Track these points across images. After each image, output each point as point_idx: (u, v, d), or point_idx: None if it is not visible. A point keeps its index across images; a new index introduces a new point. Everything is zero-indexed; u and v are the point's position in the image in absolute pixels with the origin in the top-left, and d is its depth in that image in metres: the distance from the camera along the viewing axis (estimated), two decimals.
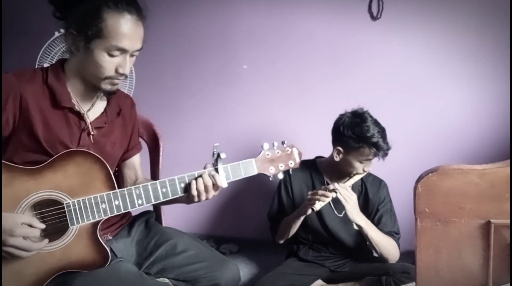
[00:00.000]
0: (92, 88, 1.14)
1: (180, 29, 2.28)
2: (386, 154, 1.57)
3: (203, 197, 1.12)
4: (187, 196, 1.12)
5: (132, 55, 1.10)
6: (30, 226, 0.98)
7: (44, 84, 1.10)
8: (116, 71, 1.07)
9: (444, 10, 1.99)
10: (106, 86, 1.10)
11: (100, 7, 1.02)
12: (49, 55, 1.94)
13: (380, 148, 1.53)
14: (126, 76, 1.14)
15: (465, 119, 2.04)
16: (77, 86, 1.13)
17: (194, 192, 1.10)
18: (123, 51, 1.06)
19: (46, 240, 1.02)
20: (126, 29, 1.04)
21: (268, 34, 2.20)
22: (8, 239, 0.95)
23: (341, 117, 1.63)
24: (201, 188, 1.10)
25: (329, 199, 1.52)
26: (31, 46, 2.01)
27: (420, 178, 0.84)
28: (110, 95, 1.16)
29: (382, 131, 1.56)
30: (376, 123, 1.58)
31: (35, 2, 2.39)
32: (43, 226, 1.01)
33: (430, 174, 0.83)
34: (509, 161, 0.83)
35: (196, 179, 1.10)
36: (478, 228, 0.82)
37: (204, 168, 1.13)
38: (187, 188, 1.11)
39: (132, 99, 1.33)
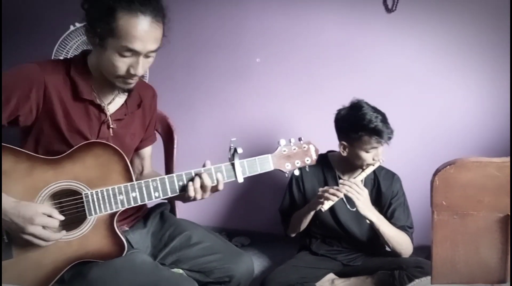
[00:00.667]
0: (110, 83, 1.15)
1: (193, 25, 2.28)
2: (390, 138, 1.52)
3: (199, 196, 1.11)
4: (182, 195, 1.12)
5: (147, 56, 1.07)
6: (50, 216, 1.00)
7: (67, 75, 1.11)
8: (128, 71, 1.06)
9: (460, 1, 1.95)
10: (120, 84, 1.11)
11: (114, 7, 0.99)
12: (64, 49, 1.96)
13: (381, 132, 1.49)
14: (143, 76, 1.13)
15: (477, 113, 2.01)
16: (98, 79, 1.14)
17: (191, 193, 1.10)
18: (134, 52, 1.03)
19: (64, 232, 1.04)
20: (138, 30, 1.00)
21: (280, 29, 2.18)
22: (28, 227, 0.97)
23: (339, 111, 1.62)
24: (197, 185, 1.10)
25: (338, 199, 1.51)
26: (46, 40, 2.03)
27: (437, 171, 0.83)
28: (126, 92, 1.16)
29: (381, 116, 1.52)
30: (374, 109, 1.55)
31: None
32: (62, 217, 1.03)
33: (448, 166, 0.82)
34: None
35: (193, 179, 1.10)
36: (496, 222, 0.81)
37: (204, 166, 1.13)
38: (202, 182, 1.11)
39: (154, 90, 1.33)
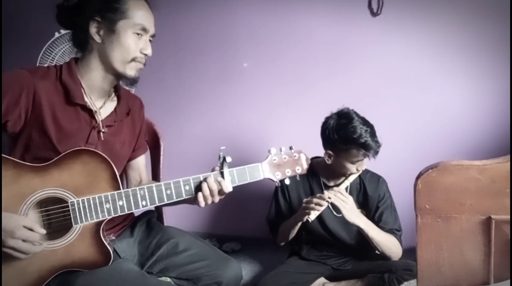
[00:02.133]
0: (108, 83, 1.16)
1: (180, 28, 2.29)
2: (376, 153, 1.53)
3: (209, 201, 1.12)
4: (194, 198, 1.12)
5: (150, 40, 1.16)
6: (31, 230, 0.98)
7: (58, 80, 1.11)
8: (141, 51, 1.13)
9: (444, 6, 1.98)
10: (131, 71, 1.14)
11: None
12: (49, 56, 1.94)
13: (369, 147, 1.50)
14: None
15: (465, 114, 2.04)
16: (92, 82, 1.15)
17: (201, 198, 1.10)
18: (145, 31, 1.13)
19: (44, 244, 1.02)
20: (145, 11, 1.14)
21: (268, 32, 2.20)
22: (8, 240, 0.95)
23: (327, 119, 1.60)
24: (207, 193, 1.10)
25: (323, 208, 1.51)
26: (32, 47, 2.01)
27: (420, 175, 0.84)
28: (133, 83, 1.19)
29: (370, 129, 1.52)
30: (363, 121, 1.54)
31: (35, 3, 2.40)
32: (43, 231, 1.01)
33: (430, 170, 0.83)
34: (509, 156, 0.83)
35: (201, 184, 1.10)
36: (479, 224, 0.82)
37: (212, 170, 1.13)
38: (191, 191, 1.11)
39: (141, 101, 1.35)
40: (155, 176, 1.54)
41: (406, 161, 2.03)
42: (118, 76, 1.15)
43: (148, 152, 1.56)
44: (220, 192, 1.12)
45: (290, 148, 1.22)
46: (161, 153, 1.50)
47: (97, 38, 1.12)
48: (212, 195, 1.11)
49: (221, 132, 2.29)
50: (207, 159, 1.27)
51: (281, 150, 1.20)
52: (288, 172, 1.20)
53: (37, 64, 1.97)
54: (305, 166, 1.23)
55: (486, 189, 0.82)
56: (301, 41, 2.16)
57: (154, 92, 2.33)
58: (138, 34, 1.12)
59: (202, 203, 1.11)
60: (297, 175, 1.23)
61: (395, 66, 2.07)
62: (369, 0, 2.03)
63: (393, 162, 1.95)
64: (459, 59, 2.01)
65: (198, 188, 1.11)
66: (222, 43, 2.25)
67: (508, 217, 0.81)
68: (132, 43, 1.12)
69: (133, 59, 1.13)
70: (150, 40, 1.17)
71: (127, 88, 2.05)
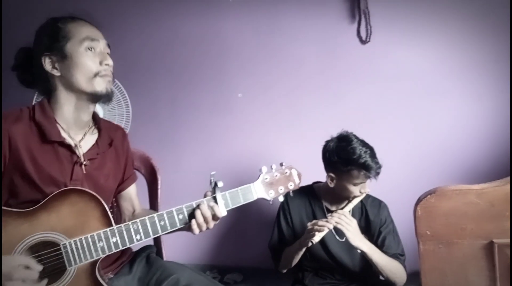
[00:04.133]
0: (84, 113, 1.15)
1: (173, 61, 2.33)
2: (377, 174, 1.54)
3: (204, 228, 1.11)
4: (188, 226, 1.11)
5: (109, 54, 1.16)
6: (28, 267, 0.96)
7: (32, 121, 1.10)
8: (100, 63, 1.12)
9: (430, 32, 2.04)
10: (99, 86, 1.12)
11: (56, 21, 1.13)
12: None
13: (370, 167, 1.51)
14: (111, 76, 1.16)
15: (459, 136, 2.06)
16: (67, 117, 1.14)
17: (195, 226, 1.09)
18: (94, 41, 1.12)
19: (45, 281, 1.00)
20: (86, 26, 1.15)
21: (260, 61, 2.24)
22: (6, 284, 0.93)
23: (327, 143, 1.62)
24: (200, 220, 1.09)
25: (327, 230, 1.50)
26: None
27: (419, 201, 0.84)
28: (108, 100, 1.16)
29: (370, 150, 1.53)
30: (363, 143, 1.56)
31: (31, 36, 2.44)
32: (41, 267, 0.99)
33: (429, 196, 0.83)
34: (506, 179, 0.83)
35: (194, 211, 1.09)
36: (481, 249, 0.82)
37: (204, 196, 1.12)
38: (185, 219, 1.10)
39: (123, 130, 1.34)
40: (153, 209, 1.53)
41: (404, 185, 2.03)
42: (91, 98, 1.13)
43: (145, 185, 1.56)
44: (214, 217, 1.10)
45: (281, 164, 1.21)
46: (159, 186, 1.50)
47: (55, 72, 1.11)
48: (206, 221, 1.09)
49: (217, 162, 2.29)
50: (204, 190, 1.26)
51: (272, 168, 1.19)
52: (281, 189, 1.18)
53: (34, 100, 1.99)
54: (298, 181, 1.21)
55: (486, 213, 0.82)
56: (292, 69, 2.21)
57: (150, 126, 2.34)
58: (90, 49, 1.12)
59: (196, 231, 1.09)
60: (291, 192, 1.21)
61: (385, 91, 2.11)
62: (357, 29, 2.09)
63: (391, 186, 1.94)
64: (449, 82, 2.05)
65: (192, 215, 1.09)
66: (215, 75, 2.29)
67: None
68: (87, 59, 1.11)
69: (97, 74, 1.11)
70: (108, 53, 1.16)
71: (123, 124, 2.07)
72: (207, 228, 1.11)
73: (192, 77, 2.32)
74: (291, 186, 1.20)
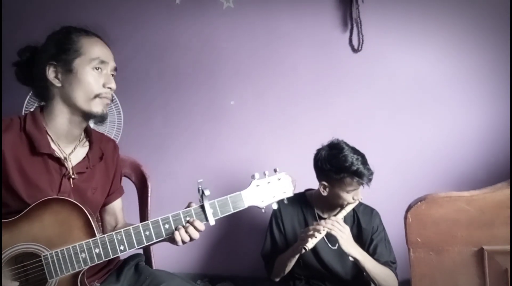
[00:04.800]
0: (76, 127, 1.14)
1: (166, 67, 2.32)
2: (370, 180, 1.55)
3: (187, 240, 1.07)
4: (171, 239, 1.08)
5: (112, 75, 1.15)
6: None
7: (22, 131, 1.08)
8: (104, 86, 1.11)
9: (422, 41, 2.06)
10: (97, 107, 1.10)
11: (70, 33, 1.12)
12: (36, 100, 1.94)
13: (362, 174, 1.52)
14: (111, 98, 1.15)
15: (452, 144, 2.07)
16: (58, 129, 1.12)
17: (181, 244, 1.07)
18: (103, 63, 1.11)
19: None
20: (100, 45, 1.14)
21: (253, 68, 2.25)
22: None
23: (319, 151, 1.63)
24: (186, 239, 1.06)
25: (321, 236, 1.49)
26: (17, 93, 2.01)
27: (409, 208, 0.84)
28: (101, 121, 1.14)
29: (361, 158, 1.55)
30: (354, 150, 1.57)
31: (19, 43, 2.42)
32: (16, 284, 0.96)
33: (419, 203, 0.83)
34: (496, 186, 0.83)
35: (179, 232, 1.06)
36: (471, 256, 0.81)
37: (187, 206, 1.10)
38: (171, 229, 1.06)
39: (115, 143, 1.32)
40: (143, 217, 1.51)
41: (395, 192, 2.03)
42: (85, 115, 1.12)
43: (135, 193, 1.54)
44: (197, 230, 1.07)
45: (275, 170, 1.16)
46: (149, 194, 1.48)
47: (56, 83, 1.10)
48: (190, 236, 1.06)
49: (209, 169, 2.28)
50: (196, 198, 1.25)
51: (265, 174, 1.14)
52: (274, 196, 1.13)
53: (23, 109, 1.97)
54: (291, 188, 1.15)
55: (476, 220, 0.82)
56: (284, 76, 2.21)
57: (141, 133, 2.32)
58: (97, 68, 1.10)
59: (180, 243, 1.06)
60: (284, 199, 1.16)
61: (377, 98, 2.12)
62: (350, 37, 2.11)
63: (383, 194, 1.94)
64: (442, 89, 2.06)
65: (174, 236, 1.06)
66: (208, 81, 2.29)
67: (501, 247, 0.81)
68: (92, 78, 1.09)
69: (97, 95, 1.10)
70: (113, 75, 1.15)
71: (114, 131, 2.05)
72: (191, 240, 1.08)
73: (185, 84, 2.31)
74: (285, 193, 1.15)
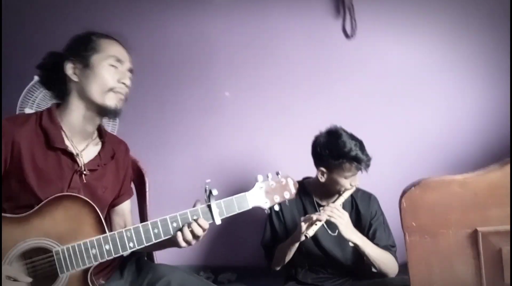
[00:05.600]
0: (90, 123, 1.16)
1: (159, 60, 2.31)
2: (368, 166, 1.56)
3: (193, 242, 1.11)
4: (173, 243, 1.10)
5: (130, 78, 1.19)
6: (16, 280, 0.95)
7: (38, 126, 1.11)
8: (118, 81, 1.15)
9: (415, 28, 2.05)
10: (110, 101, 1.14)
11: (90, 35, 1.18)
12: (30, 99, 1.93)
13: (360, 160, 1.53)
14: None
15: (446, 129, 2.08)
16: (73, 124, 1.15)
17: (183, 244, 1.09)
18: (119, 62, 1.16)
19: None
20: (117, 46, 1.19)
21: (246, 58, 2.24)
22: None
23: (317, 138, 1.64)
24: (189, 237, 1.08)
25: (321, 223, 1.51)
26: (12, 92, 2.01)
27: (403, 193, 0.85)
28: (115, 116, 1.17)
29: (359, 144, 1.56)
30: (352, 136, 1.59)
31: (14, 46, 2.41)
32: (29, 279, 0.98)
33: (413, 188, 0.84)
34: (488, 168, 0.84)
35: (182, 230, 1.08)
36: (466, 238, 0.83)
37: (194, 205, 1.12)
38: (179, 227, 1.09)
39: (126, 145, 1.35)
40: (142, 213, 1.52)
41: (392, 177, 2.04)
42: (99, 109, 1.15)
43: (134, 189, 1.54)
44: (202, 229, 1.10)
45: (277, 173, 1.22)
46: (147, 189, 1.49)
47: (74, 78, 1.14)
48: (195, 237, 1.09)
49: (206, 162, 2.28)
50: (194, 191, 1.26)
51: (268, 177, 1.20)
52: (276, 198, 1.20)
53: (18, 108, 1.96)
54: (293, 190, 1.23)
55: (469, 203, 0.83)
56: (278, 65, 2.21)
57: (137, 127, 2.32)
58: (113, 66, 1.15)
59: (183, 244, 1.09)
60: (286, 200, 1.22)
61: (371, 84, 2.12)
62: (343, 24, 2.10)
63: (379, 179, 1.96)
64: (436, 75, 2.07)
65: (177, 239, 1.09)
66: (202, 75, 2.28)
67: (494, 228, 0.82)
68: (107, 73, 1.14)
69: (111, 89, 1.14)
70: (129, 77, 1.19)
71: (110, 126, 2.05)
72: (195, 238, 1.10)
73: (180, 78, 2.31)
74: (287, 195, 1.22)
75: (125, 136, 1.44)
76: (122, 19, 2.30)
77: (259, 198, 1.17)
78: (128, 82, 1.17)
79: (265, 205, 1.18)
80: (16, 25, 2.37)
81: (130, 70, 1.20)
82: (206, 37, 2.27)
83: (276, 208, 1.21)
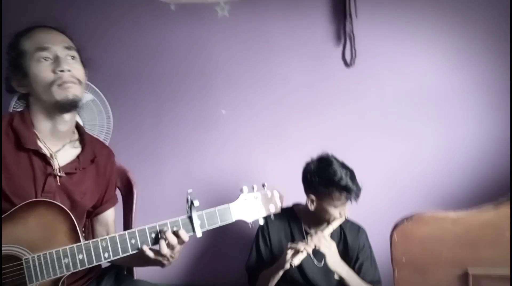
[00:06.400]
0: (57, 120, 1.12)
1: (158, 74, 2.31)
2: (358, 196, 1.54)
3: (170, 255, 1.06)
4: (153, 260, 1.06)
5: (72, 57, 1.12)
6: None
7: (9, 127, 1.08)
8: (54, 72, 1.07)
9: (414, 59, 2.09)
10: (59, 95, 1.07)
11: (16, 37, 1.13)
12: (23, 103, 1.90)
13: (350, 189, 1.51)
14: (80, 82, 1.12)
15: (440, 161, 2.08)
16: (43, 125, 1.11)
17: (160, 258, 1.05)
18: (46, 50, 1.08)
19: None
20: (36, 36, 1.11)
21: (245, 78, 2.24)
22: None
23: (308, 164, 1.63)
24: (165, 251, 1.03)
25: (307, 252, 1.48)
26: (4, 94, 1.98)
27: (395, 226, 0.83)
28: (74, 107, 1.11)
29: (350, 173, 1.55)
30: (343, 165, 1.57)
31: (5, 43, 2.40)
32: None
33: (406, 221, 0.83)
34: (482, 208, 0.83)
35: (159, 241, 1.04)
36: (456, 278, 0.81)
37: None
38: (157, 239, 1.04)
39: (110, 150, 1.30)
40: (127, 224, 1.48)
41: (382, 209, 2.03)
42: (55, 107, 1.09)
43: (120, 199, 1.51)
44: (180, 241, 1.05)
45: (263, 185, 1.17)
46: (134, 201, 1.45)
47: (22, 90, 1.12)
48: (172, 249, 1.04)
49: (199, 178, 2.25)
50: (182, 206, 1.23)
51: (253, 188, 1.14)
52: (260, 212, 1.13)
53: (11, 108, 1.93)
54: (279, 204, 1.17)
55: (461, 241, 0.82)
56: (277, 88, 2.21)
57: (131, 138, 2.30)
58: (43, 59, 1.08)
59: (165, 261, 1.05)
60: (272, 215, 1.16)
61: (368, 113, 2.13)
62: (343, 52, 2.13)
63: (370, 210, 1.94)
64: (432, 105, 2.08)
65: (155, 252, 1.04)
66: (200, 89, 2.28)
67: (485, 271, 0.80)
68: (39, 71, 1.07)
69: (52, 84, 1.07)
70: (72, 57, 1.12)
71: (103, 135, 2.03)
72: (173, 251, 1.05)
73: (177, 91, 2.30)
74: (272, 209, 1.16)
75: (118, 147, 1.42)
76: (123, 28, 2.31)
77: (243, 210, 1.11)
78: (65, 67, 1.08)
79: (249, 219, 1.12)
80: (16, 25, 2.36)
81: (68, 48, 1.12)
82: (207, 54, 2.27)
83: (261, 222, 1.14)
